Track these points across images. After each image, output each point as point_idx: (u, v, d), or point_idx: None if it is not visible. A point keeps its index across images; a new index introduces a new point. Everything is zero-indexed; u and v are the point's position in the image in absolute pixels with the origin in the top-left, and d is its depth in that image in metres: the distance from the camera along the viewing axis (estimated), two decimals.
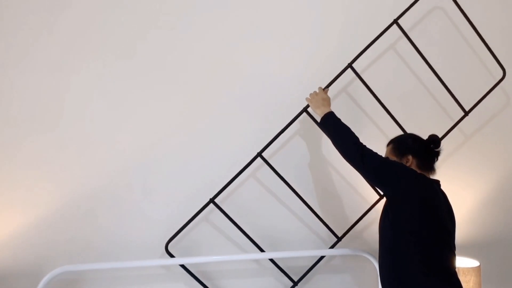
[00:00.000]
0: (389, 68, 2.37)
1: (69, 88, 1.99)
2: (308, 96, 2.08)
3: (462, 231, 2.48)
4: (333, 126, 1.89)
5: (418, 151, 1.86)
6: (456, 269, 1.90)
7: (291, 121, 2.10)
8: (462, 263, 2.27)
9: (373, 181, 1.83)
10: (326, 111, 1.93)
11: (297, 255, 2.11)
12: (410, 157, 1.85)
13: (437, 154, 1.89)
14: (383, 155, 1.95)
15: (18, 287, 1.90)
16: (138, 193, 2.06)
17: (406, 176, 1.73)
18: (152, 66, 2.10)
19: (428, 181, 1.78)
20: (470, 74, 2.47)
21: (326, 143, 2.24)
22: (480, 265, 2.25)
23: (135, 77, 2.07)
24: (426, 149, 1.87)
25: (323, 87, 2.13)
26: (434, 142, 1.88)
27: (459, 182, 2.49)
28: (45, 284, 1.82)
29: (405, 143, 1.90)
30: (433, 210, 1.70)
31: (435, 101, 2.43)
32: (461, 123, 2.41)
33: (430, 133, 1.91)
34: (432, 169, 1.88)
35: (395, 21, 2.20)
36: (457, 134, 2.47)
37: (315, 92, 2.05)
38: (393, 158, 1.89)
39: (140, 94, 2.08)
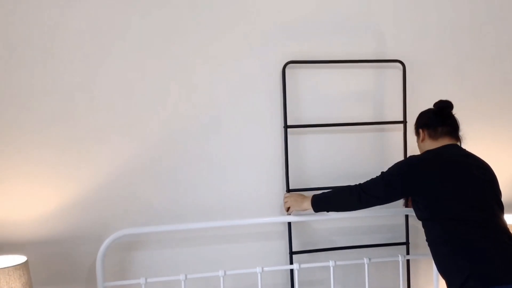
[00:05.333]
0: None
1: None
2: (284, 208, 2.10)
3: None
4: (326, 204, 1.93)
5: (427, 122, 1.89)
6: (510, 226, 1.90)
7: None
8: None
9: (390, 201, 1.86)
10: (309, 200, 1.95)
11: None
12: (421, 131, 1.91)
13: (446, 117, 1.87)
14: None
15: (81, 250, 2.00)
16: (199, 157, 2.11)
17: (402, 180, 1.78)
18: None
19: (429, 159, 1.78)
20: None
21: None
22: None
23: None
24: (435, 118, 1.87)
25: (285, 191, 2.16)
26: (441, 107, 1.88)
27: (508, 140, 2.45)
28: (107, 246, 1.92)
29: (417, 119, 1.96)
30: (451, 187, 1.71)
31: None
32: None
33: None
34: (447, 135, 1.85)
35: None
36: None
37: (285, 199, 2.07)
38: (416, 137, 1.96)
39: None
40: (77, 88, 1.98)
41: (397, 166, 1.84)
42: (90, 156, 2.00)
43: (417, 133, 1.95)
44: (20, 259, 1.76)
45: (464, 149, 1.86)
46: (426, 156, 1.83)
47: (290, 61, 2.15)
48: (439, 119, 1.87)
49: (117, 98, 2.03)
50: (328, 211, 1.96)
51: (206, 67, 2.10)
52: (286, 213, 2.11)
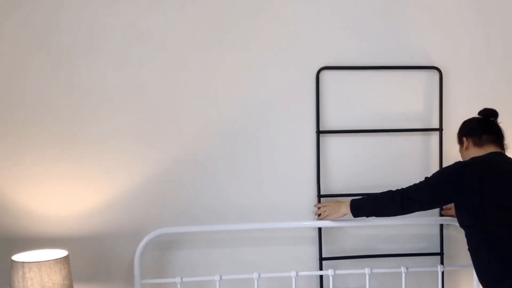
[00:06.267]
0: None
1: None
2: (319, 217, 2.07)
3: None
4: (366, 208, 1.92)
5: (471, 130, 1.88)
6: None
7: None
8: None
9: (433, 207, 1.89)
10: (347, 205, 1.94)
11: None
12: (464, 139, 1.89)
13: (491, 125, 1.86)
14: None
15: (120, 247, 2.04)
16: (233, 161, 2.13)
17: (447, 184, 1.75)
18: None
19: (475, 165, 1.76)
20: None
21: None
22: None
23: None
24: (480, 125, 1.87)
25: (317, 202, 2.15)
26: (486, 115, 1.88)
27: None
28: (146, 244, 1.95)
29: (460, 128, 1.95)
30: (496, 193, 1.69)
31: None
32: None
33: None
34: (492, 143, 1.84)
35: None
36: None
37: (322, 208, 2.05)
38: (460, 145, 1.95)
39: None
40: (119, 88, 2.03)
41: (443, 171, 1.84)
42: (130, 157, 2.05)
43: (461, 142, 1.93)
44: (62, 253, 1.80)
45: (510, 157, 1.84)
46: (472, 161, 1.80)
47: (324, 66, 2.15)
48: (484, 127, 1.86)
49: (155, 100, 2.07)
50: (367, 217, 1.95)
51: (241, 71, 2.12)
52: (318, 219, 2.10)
